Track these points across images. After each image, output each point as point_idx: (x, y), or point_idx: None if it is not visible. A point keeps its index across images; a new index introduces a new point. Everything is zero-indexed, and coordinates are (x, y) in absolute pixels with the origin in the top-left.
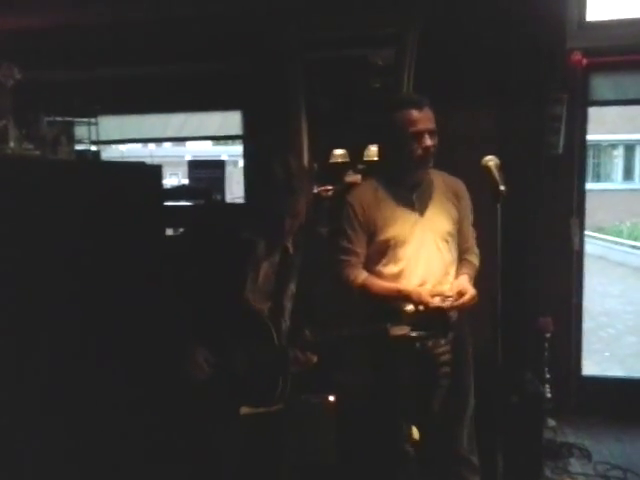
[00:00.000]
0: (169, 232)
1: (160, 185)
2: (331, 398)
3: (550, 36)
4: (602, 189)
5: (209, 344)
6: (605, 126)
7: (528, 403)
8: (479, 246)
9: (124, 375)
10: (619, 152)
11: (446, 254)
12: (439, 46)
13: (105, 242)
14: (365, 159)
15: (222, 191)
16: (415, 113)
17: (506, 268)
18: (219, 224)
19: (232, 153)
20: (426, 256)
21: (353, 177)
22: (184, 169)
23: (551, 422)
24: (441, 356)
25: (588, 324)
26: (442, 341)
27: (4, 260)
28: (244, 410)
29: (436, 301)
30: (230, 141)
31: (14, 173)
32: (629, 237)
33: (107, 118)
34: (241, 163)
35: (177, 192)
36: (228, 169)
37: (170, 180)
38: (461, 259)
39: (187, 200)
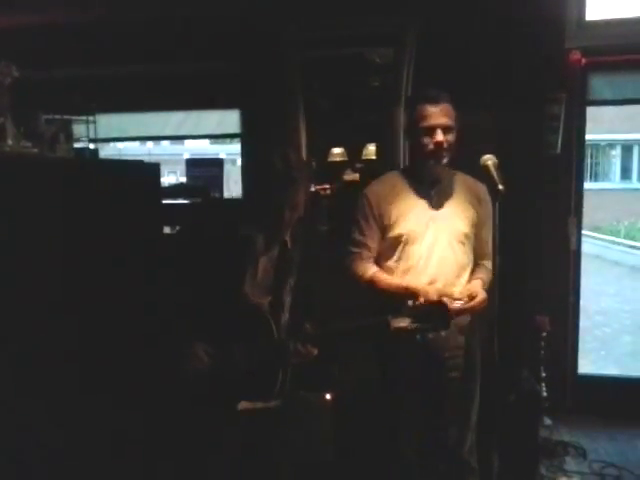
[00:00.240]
0: (167, 230)
1: (158, 183)
2: (328, 396)
3: (549, 35)
4: (600, 189)
5: (209, 339)
6: (603, 126)
7: (524, 402)
8: None
9: (123, 370)
10: (617, 152)
11: (460, 255)
12: (438, 45)
13: (103, 240)
14: (363, 158)
15: (220, 190)
16: (429, 108)
17: (503, 267)
18: (217, 220)
19: (230, 152)
20: (439, 255)
21: (351, 176)
22: (182, 167)
23: (547, 421)
24: (450, 360)
25: (584, 323)
26: (452, 344)
27: (1, 258)
28: (243, 405)
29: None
30: (228, 140)
31: (12, 171)
32: (626, 237)
33: (105, 116)
34: (239, 162)
35: (175, 190)
36: (226, 167)
37: (168, 178)
38: (477, 264)
39: (185, 198)
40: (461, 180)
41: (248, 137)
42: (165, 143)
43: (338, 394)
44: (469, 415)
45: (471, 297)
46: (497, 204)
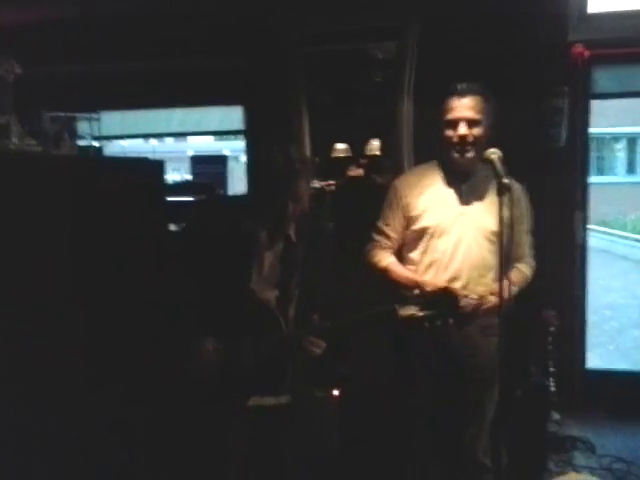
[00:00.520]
0: (172, 227)
1: (163, 180)
2: (335, 392)
3: (552, 29)
4: (605, 182)
5: (217, 334)
6: (607, 119)
7: (532, 396)
8: None
9: (132, 367)
10: (622, 145)
11: (487, 254)
12: (440, 39)
13: (108, 237)
14: (367, 153)
15: (224, 186)
16: (454, 100)
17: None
18: (222, 217)
19: (234, 148)
20: (464, 251)
21: (355, 171)
22: (186, 164)
23: (555, 415)
24: (470, 359)
25: (592, 318)
26: (472, 344)
27: (6, 255)
28: (252, 402)
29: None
30: (232, 136)
31: (16, 168)
32: (633, 230)
33: (109, 113)
34: (243, 158)
35: (180, 187)
36: (230, 164)
37: (172, 175)
38: (511, 265)
39: (190, 195)
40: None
41: (252, 133)
42: (169, 140)
43: (345, 390)
44: (485, 416)
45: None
46: (503, 198)
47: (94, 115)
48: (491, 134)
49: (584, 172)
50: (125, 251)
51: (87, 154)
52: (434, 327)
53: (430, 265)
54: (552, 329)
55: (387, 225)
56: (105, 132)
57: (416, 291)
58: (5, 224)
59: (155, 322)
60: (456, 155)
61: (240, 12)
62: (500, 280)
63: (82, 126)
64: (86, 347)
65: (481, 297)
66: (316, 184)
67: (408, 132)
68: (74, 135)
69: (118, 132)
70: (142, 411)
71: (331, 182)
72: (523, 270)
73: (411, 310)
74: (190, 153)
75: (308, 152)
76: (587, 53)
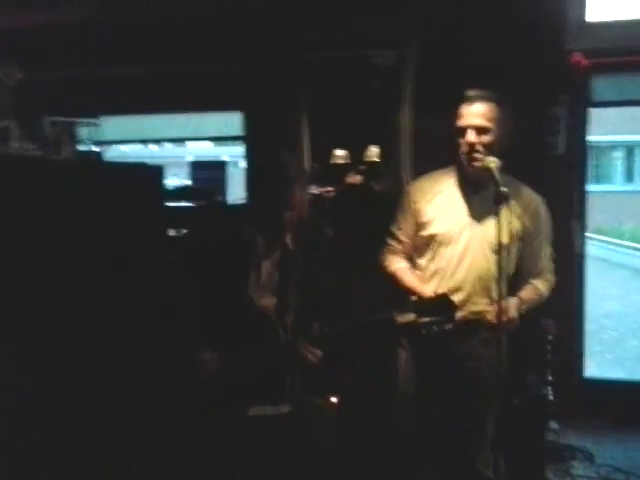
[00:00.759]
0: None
1: (162, 186)
2: (333, 399)
3: (550, 38)
4: (603, 191)
5: (215, 345)
6: (605, 127)
7: (530, 406)
8: None
9: (130, 377)
10: (620, 154)
11: (494, 267)
12: (440, 47)
13: (107, 242)
14: (366, 160)
15: (223, 192)
16: (464, 108)
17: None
18: (219, 226)
19: (233, 154)
20: (469, 262)
21: (354, 178)
22: (185, 170)
23: (553, 425)
24: (473, 371)
25: (589, 326)
26: (476, 355)
27: (5, 259)
28: (252, 412)
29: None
30: (231, 142)
31: (16, 173)
32: (630, 239)
33: (109, 118)
34: (242, 164)
35: (179, 193)
36: (229, 170)
37: (171, 181)
38: (525, 281)
39: (189, 201)
40: (514, 189)
41: (251, 139)
42: (168, 145)
43: (344, 398)
44: (485, 427)
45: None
46: (500, 206)
47: (94, 120)
48: (506, 142)
49: (582, 180)
50: (124, 257)
51: (87, 159)
52: (431, 334)
53: (435, 273)
54: (550, 338)
55: (399, 229)
56: (105, 137)
57: (413, 297)
58: (4, 228)
59: (154, 329)
60: (465, 163)
61: (241, 18)
62: (499, 293)
63: (82, 131)
64: (84, 353)
65: (483, 311)
66: (314, 190)
67: (407, 139)
68: (74, 140)
69: (118, 137)
70: (141, 422)
71: (330, 189)
72: (538, 287)
73: (409, 317)
74: (189, 158)
75: (307, 158)
76: (585, 62)
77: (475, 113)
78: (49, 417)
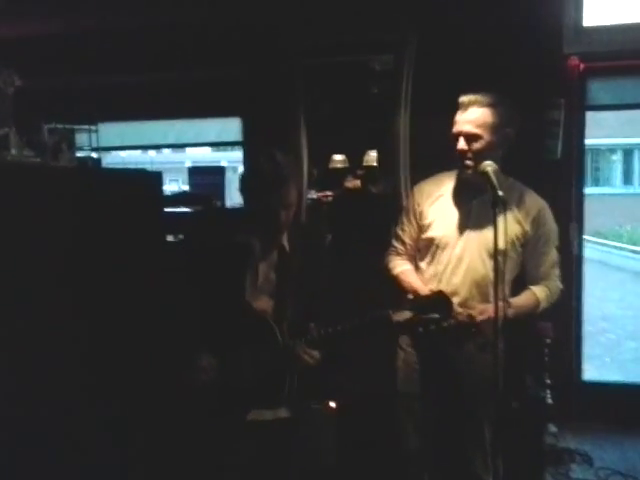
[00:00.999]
0: (170, 238)
1: (160, 192)
2: (332, 404)
3: (547, 41)
4: (601, 193)
5: (213, 349)
6: (604, 130)
7: (529, 408)
8: None
9: (129, 382)
10: (618, 156)
11: (491, 273)
12: (438, 52)
13: (106, 248)
14: (364, 164)
15: (222, 197)
16: (457, 114)
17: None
18: (215, 229)
19: (232, 159)
20: (465, 267)
21: (352, 182)
22: (184, 175)
23: (552, 428)
24: (468, 376)
25: (588, 329)
26: (470, 360)
27: (5, 266)
28: (251, 416)
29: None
30: (230, 147)
31: (15, 180)
32: (629, 242)
33: (107, 125)
34: (241, 169)
35: (178, 198)
36: (228, 175)
37: (170, 186)
38: (526, 287)
39: (188, 207)
40: (517, 194)
41: (250, 145)
42: (167, 151)
43: (342, 402)
44: (483, 431)
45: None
46: (497, 210)
47: (93, 127)
48: (504, 145)
49: (580, 183)
50: (123, 262)
51: (85, 165)
52: (428, 332)
53: (433, 276)
54: (548, 341)
55: (403, 231)
56: (103, 143)
57: (410, 296)
58: (3, 235)
59: (153, 333)
60: (461, 168)
61: (239, 24)
62: (495, 296)
63: (81, 138)
64: (85, 357)
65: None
66: (313, 195)
67: (405, 144)
68: (73, 147)
69: (116, 144)
70: (140, 428)
71: (328, 193)
72: (535, 293)
73: (405, 315)
74: (188, 164)
75: (306, 163)
76: (583, 66)
77: (465, 120)
78: (50, 420)
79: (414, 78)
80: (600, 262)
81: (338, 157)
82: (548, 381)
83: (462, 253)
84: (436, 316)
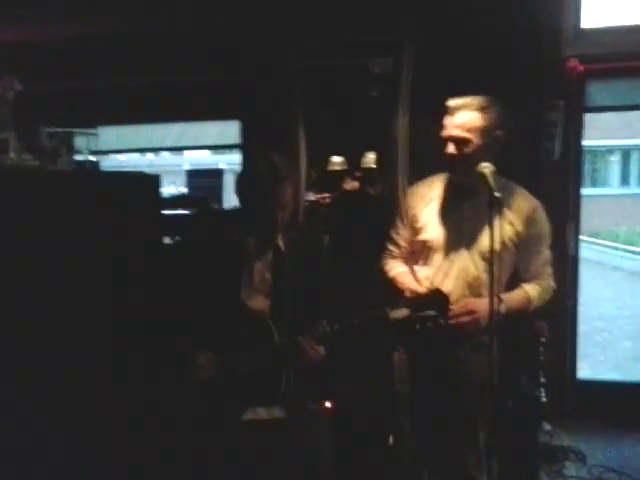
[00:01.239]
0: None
1: (159, 194)
2: (328, 404)
3: (546, 43)
4: (599, 194)
5: (209, 348)
6: (602, 131)
7: (523, 407)
8: None
9: (127, 381)
10: (616, 157)
11: (484, 274)
12: (437, 54)
13: (104, 251)
14: (363, 166)
15: (220, 200)
16: (445, 118)
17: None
18: (215, 229)
19: (230, 162)
20: (458, 269)
21: (351, 184)
22: (182, 178)
23: (546, 426)
24: (462, 376)
25: (583, 329)
26: (464, 360)
27: (3, 270)
28: (247, 416)
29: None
30: (228, 150)
31: (14, 183)
32: (625, 242)
33: (106, 128)
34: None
35: (175, 201)
36: (226, 178)
37: (168, 189)
38: (518, 285)
39: (185, 209)
40: (508, 194)
41: (249, 147)
42: (165, 154)
43: (338, 402)
44: (476, 431)
45: (469, 313)
46: (494, 212)
47: (91, 130)
48: (494, 148)
49: (577, 184)
50: (121, 265)
51: (84, 169)
52: (426, 329)
53: (427, 279)
54: (543, 340)
55: (397, 234)
56: (102, 147)
57: (407, 293)
58: (2, 238)
59: (151, 334)
60: (451, 172)
61: (237, 28)
62: (490, 298)
63: (79, 141)
64: (80, 361)
65: (467, 311)
66: (311, 197)
67: (404, 146)
68: (71, 150)
69: (115, 147)
70: (135, 424)
71: (326, 195)
72: (527, 290)
73: (402, 313)
74: (186, 167)
75: (304, 165)
76: (581, 67)
77: (454, 124)
78: (50, 420)
79: (413, 80)
80: (596, 262)
81: (336, 159)
82: (543, 379)
83: (454, 255)
84: (433, 313)
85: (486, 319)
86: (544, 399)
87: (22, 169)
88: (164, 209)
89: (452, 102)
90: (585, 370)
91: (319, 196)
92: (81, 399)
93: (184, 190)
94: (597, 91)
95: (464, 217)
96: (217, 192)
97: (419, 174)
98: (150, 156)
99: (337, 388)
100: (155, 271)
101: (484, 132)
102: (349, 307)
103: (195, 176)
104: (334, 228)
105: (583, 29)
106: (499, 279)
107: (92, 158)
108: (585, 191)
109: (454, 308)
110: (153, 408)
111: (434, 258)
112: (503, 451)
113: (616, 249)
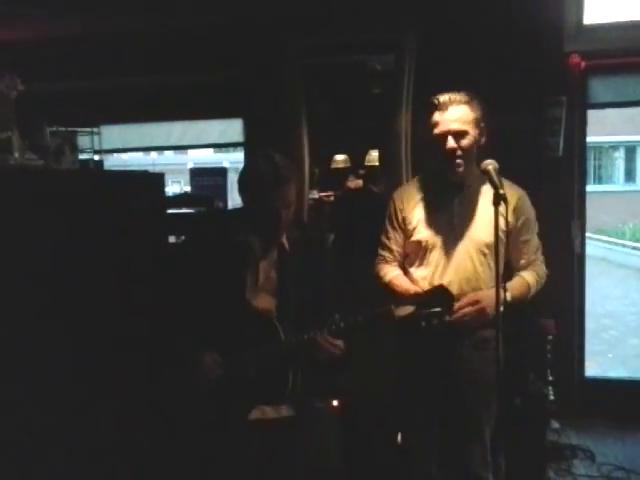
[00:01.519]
0: (172, 239)
1: (163, 193)
2: (335, 402)
3: (548, 39)
4: (604, 191)
5: (215, 348)
6: (606, 128)
7: (531, 405)
8: None
9: (134, 381)
10: (620, 154)
11: (481, 267)
12: (438, 50)
13: (109, 250)
14: (366, 164)
15: (224, 198)
16: (437, 115)
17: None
18: (215, 229)
19: (234, 160)
20: (456, 265)
21: (354, 182)
22: (186, 177)
23: (554, 424)
24: (464, 374)
25: (590, 326)
26: (465, 357)
27: (6, 269)
28: (254, 415)
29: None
30: (232, 148)
31: (18, 183)
32: (631, 238)
33: (110, 127)
34: None
35: (179, 200)
36: (230, 176)
37: (172, 188)
38: (514, 275)
39: (190, 207)
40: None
41: (252, 146)
42: (169, 153)
43: (345, 401)
44: (481, 429)
45: (473, 304)
46: (500, 209)
47: (95, 129)
48: (484, 141)
49: (582, 181)
50: (126, 264)
51: (88, 168)
52: (431, 326)
53: (424, 279)
54: (550, 338)
55: (388, 239)
56: (106, 146)
57: (412, 291)
58: (5, 238)
59: (156, 334)
60: (448, 169)
61: (239, 25)
62: (497, 291)
63: (83, 140)
64: (84, 361)
65: (471, 303)
66: (315, 195)
67: (407, 143)
68: (75, 149)
69: (119, 146)
70: (144, 427)
71: (330, 193)
72: (525, 278)
73: (407, 310)
74: (190, 165)
75: (308, 163)
76: (584, 63)
77: (450, 118)
78: (52, 420)
79: (415, 77)
80: (603, 259)
81: (340, 157)
82: (550, 377)
83: (450, 252)
84: (438, 310)
85: (492, 308)
86: (552, 397)
87: (26, 168)
88: (168, 208)
89: (443, 98)
90: (593, 368)
91: (323, 194)
92: (85, 399)
93: (188, 189)
94: (600, 87)
95: (455, 213)
96: (221, 191)
97: (424, 170)
98: (153, 155)
99: (345, 386)
100: (160, 270)
101: (476, 124)
102: (353, 305)
103: (199, 175)
104: (338, 226)
105: (585, 25)
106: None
107: (96, 157)
108: (590, 188)
109: (462, 298)
110: (158, 408)
111: (430, 257)
112: (511, 449)
113: (623, 246)
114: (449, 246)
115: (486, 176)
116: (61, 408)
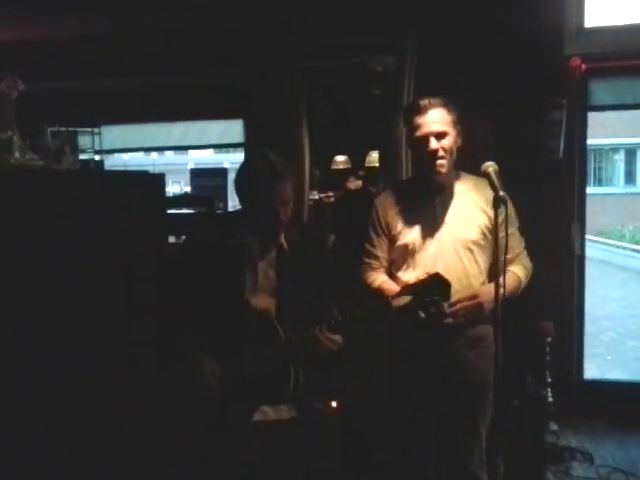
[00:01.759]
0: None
1: (163, 194)
2: (334, 403)
3: (549, 42)
4: (604, 193)
5: (215, 352)
6: (606, 130)
7: (529, 407)
8: None
9: (130, 388)
10: (620, 156)
11: (469, 264)
12: (439, 52)
13: (109, 250)
14: (366, 165)
15: (224, 199)
16: (417, 119)
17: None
18: (213, 232)
19: (234, 161)
20: (444, 264)
21: (354, 183)
22: (186, 177)
23: (553, 426)
24: (458, 373)
25: (590, 328)
26: (460, 356)
27: (7, 270)
28: (256, 417)
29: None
30: (232, 149)
31: (18, 183)
32: (631, 241)
33: (110, 128)
34: None
35: (180, 200)
36: (230, 177)
37: (172, 188)
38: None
39: (190, 208)
40: (471, 184)
41: (252, 146)
42: (169, 153)
43: (344, 402)
44: (477, 429)
45: (470, 298)
46: (499, 211)
47: (95, 130)
48: (459, 141)
49: (582, 183)
50: (126, 264)
51: (88, 168)
52: (429, 315)
53: None
54: (549, 339)
55: (374, 246)
56: (106, 146)
57: (408, 281)
58: (6, 238)
59: (156, 335)
60: (431, 170)
61: (240, 26)
62: (496, 291)
63: (84, 140)
64: (84, 361)
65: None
66: (315, 195)
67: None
68: (76, 149)
69: (119, 146)
70: (145, 430)
71: (330, 193)
72: (516, 273)
73: (405, 300)
74: (190, 166)
75: (308, 164)
76: (584, 66)
77: (432, 120)
78: (52, 420)
79: (415, 79)
80: (602, 261)
81: (340, 158)
82: (549, 379)
83: (437, 252)
84: (435, 298)
85: (489, 304)
86: (550, 399)
87: (27, 168)
88: (169, 208)
89: (422, 101)
90: (592, 370)
91: (323, 195)
92: (85, 399)
93: (188, 189)
94: (600, 90)
95: (438, 213)
96: (222, 191)
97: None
98: (154, 155)
99: (343, 387)
100: (160, 270)
101: (454, 125)
102: (351, 304)
103: (199, 175)
104: (338, 226)
105: (586, 28)
106: (484, 266)
107: (96, 157)
108: (590, 190)
109: (455, 296)
110: (159, 408)
111: (417, 259)
112: (510, 451)
113: (623, 248)
114: (436, 247)
115: (488, 179)
116: (61, 408)
